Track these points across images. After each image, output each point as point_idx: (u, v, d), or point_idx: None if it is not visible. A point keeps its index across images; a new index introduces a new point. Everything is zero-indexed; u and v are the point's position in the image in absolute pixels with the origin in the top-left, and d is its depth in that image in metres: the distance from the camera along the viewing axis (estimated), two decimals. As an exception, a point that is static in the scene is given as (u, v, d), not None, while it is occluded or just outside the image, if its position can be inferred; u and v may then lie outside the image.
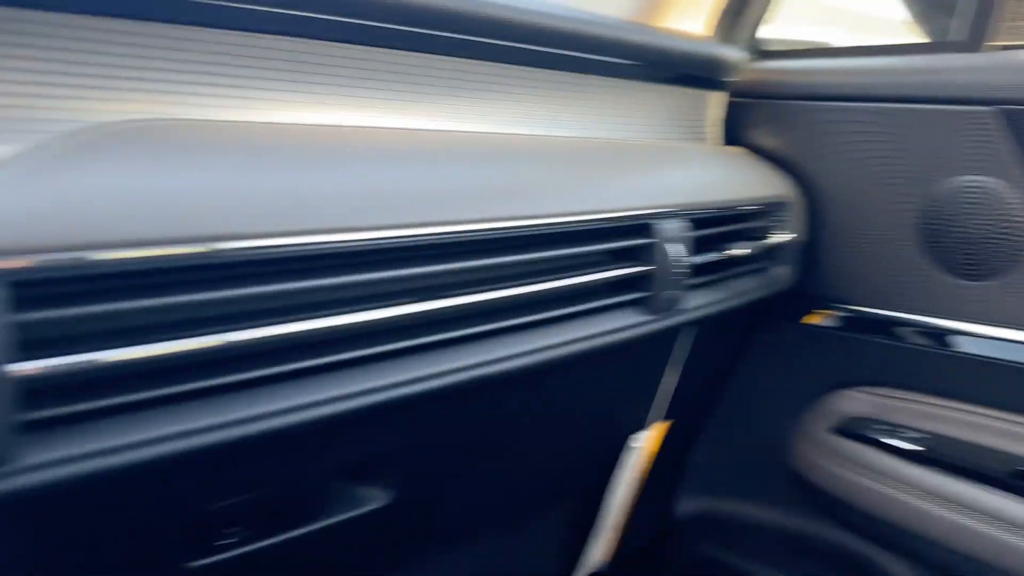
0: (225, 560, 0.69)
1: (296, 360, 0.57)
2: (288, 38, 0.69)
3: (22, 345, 0.46)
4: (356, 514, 0.77)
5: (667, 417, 1.14)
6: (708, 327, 1.03)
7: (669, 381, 1.08)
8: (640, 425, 1.07)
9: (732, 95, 1.18)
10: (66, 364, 0.47)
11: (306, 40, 0.70)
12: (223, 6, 0.63)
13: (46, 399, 0.48)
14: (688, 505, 1.38)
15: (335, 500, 0.76)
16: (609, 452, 1.09)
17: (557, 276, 0.72)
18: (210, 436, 0.53)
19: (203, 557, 0.68)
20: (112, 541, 0.63)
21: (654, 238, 0.78)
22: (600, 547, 1.19)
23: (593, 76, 0.95)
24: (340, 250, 0.57)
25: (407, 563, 0.96)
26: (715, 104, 1.18)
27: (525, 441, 0.93)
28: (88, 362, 0.48)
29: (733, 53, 1.14)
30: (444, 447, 0.82)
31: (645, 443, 1.11)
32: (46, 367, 0.47)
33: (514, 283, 0.68)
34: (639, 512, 1.23)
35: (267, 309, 0.56)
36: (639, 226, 0.78)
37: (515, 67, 0.86)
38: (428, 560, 0.99)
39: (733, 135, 1.19)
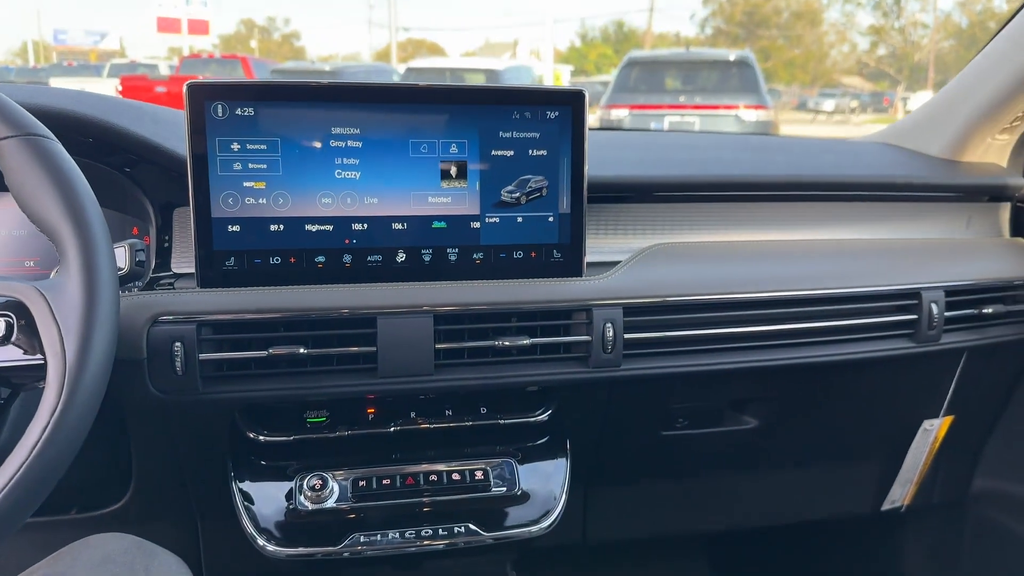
0: None
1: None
2: (736, 204, 1.32)
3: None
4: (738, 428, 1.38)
5: (950, 413, 1.53)
6: (977, 354, 1.41)
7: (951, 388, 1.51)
8: (934, 415, 1.52)
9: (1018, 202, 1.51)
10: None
11: (741, 204, 1.32)
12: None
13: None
14: (983, 483, 1.66)
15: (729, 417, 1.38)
16: (909, 428, 1.51)
17: (856, 317, 1.25)
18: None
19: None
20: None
21: (917, 300, 1.27)
22: (900, 492, 1.61)
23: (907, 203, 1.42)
24: (756, 300, 1.18)
25: (759, 470, 1.53)
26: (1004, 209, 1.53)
27: (847, 408, 1.43)
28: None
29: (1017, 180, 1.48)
30: (789, 403, 1.37)
31: (936, 428, 1.53)
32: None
33: (829, 319, 1.23)
34: (934, 477, 1.62)
35: (718, 320, 1.18)
36: (912, 293, 1.28)
37: (853, 204, 1.38)
38: (772, 471, 1.55)
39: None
